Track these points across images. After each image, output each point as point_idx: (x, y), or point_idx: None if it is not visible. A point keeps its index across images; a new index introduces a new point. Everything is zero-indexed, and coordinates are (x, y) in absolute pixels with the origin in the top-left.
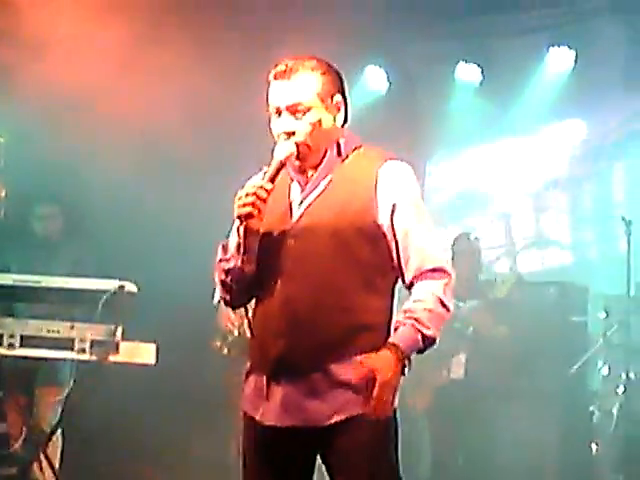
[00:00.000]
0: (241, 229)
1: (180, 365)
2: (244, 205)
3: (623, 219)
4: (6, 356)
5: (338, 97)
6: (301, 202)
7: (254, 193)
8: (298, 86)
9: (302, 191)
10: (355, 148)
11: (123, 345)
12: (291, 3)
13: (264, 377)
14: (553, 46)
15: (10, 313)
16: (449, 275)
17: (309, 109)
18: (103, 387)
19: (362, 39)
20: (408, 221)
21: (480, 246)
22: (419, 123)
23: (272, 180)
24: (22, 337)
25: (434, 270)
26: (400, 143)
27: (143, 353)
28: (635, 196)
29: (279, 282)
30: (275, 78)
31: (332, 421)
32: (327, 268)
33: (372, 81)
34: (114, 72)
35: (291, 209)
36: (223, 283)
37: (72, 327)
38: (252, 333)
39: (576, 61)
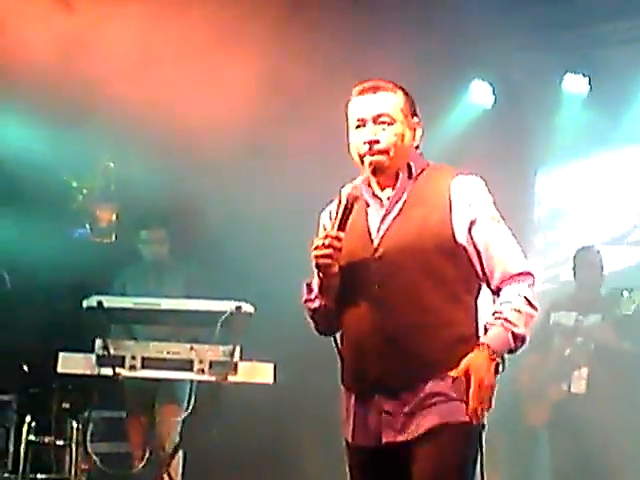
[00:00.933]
0: (321, 275)
1: (297, 383)
2: (321, 257)
3: None
4: (128, 378)
5: (416, 119)
6: (379, 227)
7: (330, 245)
8: (384, 99)
9: (379, 215)
10: (423, 169)
11: (241, 365)
12: (393, 18)
13: (359, 399)
14: None
15: (131, 335)
16: (532, 276)
17: (394, 121)
18: (223, 406)
19: (467, 53)
20: (487, 233)
21: (602, 259)
22: (526, 136)
23: (343, 227)
24: (143, 359)
25: (519, 274)
26: (507, 157)
27: (261, 373)
28: None
29: (368, 307)
30: (360, 94)
31: (421, 431)
32: (413, 288)
33: (477, 95)
34: (224, 95)
35: (370, 234)
36: (312, 318)
37: (191, 348)
38: (342, 359)
39: None
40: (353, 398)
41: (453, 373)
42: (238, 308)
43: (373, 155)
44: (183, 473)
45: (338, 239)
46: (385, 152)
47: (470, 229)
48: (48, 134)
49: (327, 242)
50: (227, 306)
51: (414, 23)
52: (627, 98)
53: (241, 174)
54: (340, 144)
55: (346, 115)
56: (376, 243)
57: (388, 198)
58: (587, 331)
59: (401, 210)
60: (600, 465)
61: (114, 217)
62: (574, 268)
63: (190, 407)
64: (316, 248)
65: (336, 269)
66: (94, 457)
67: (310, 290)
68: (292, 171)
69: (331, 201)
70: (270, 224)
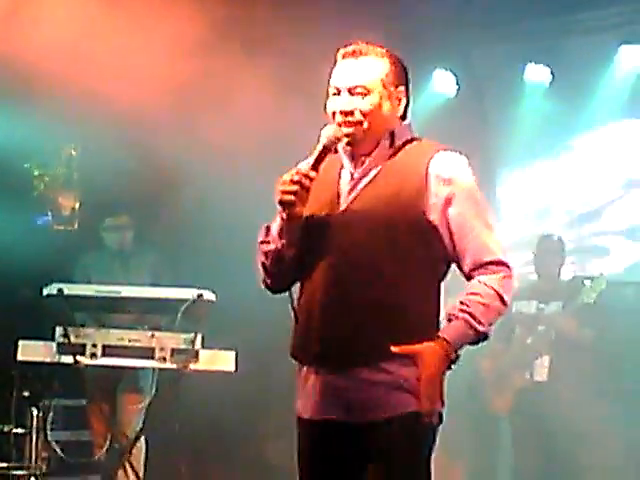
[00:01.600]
0: (283, 215)
1: (259, 371)
2: (287, 192)
3: None
4: (89, 365)
5: (401, 88)
6: (350, 190)
7: (298, 181)
8: (364, 68)
9: (351, 179)
10: (408, 141)
11: (203, 353)
12: (356, 5)
13: (305, 367)
14: (624, 44)
15: (91, 323)
16: (509, 268)
17: (370, 92)
18: (184, 394)
19: (429, 42)
20: (464, 213)
21: (564, 247)
22: (489, 126)
23: (316, 167)
24: (104, 347)
25: (492, 262)
26: (470, 146)
27: (223, 361)
28: None
29: (324, 270)
30: (343, 57)
31: (373, 419)
32: (375, 260)
33: (440, 85)
34: (186, 78)
35: (339, 196)
36: (263, 265)
37: (152, 336)
38: (296, 320)
39: None
40: (301, 367)
41: (397, 349)
42: (200, 296)
43: (346, 126)
44: (145, 461)
45: (308, 178)
46: (358, 123)
47: (445, 208)
48: (8, 121)
49: (296, 178)
50: (189, 294)
51: (377, 11)
52: (589, 88)
53: (204, 159)
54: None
55: (328, 80)
56: (342, 207)
57: (363, 162)
58: (548, 319)
59: (375, 177)
60: (563, 453)
61: (77, 205)
62: (535, 256)
63: (152, 395)
64: (283, 183)
65: (300, 210)
66: (54, 445)
67: (268, 232)
68: (256, 156)
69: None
70: (234, 210)
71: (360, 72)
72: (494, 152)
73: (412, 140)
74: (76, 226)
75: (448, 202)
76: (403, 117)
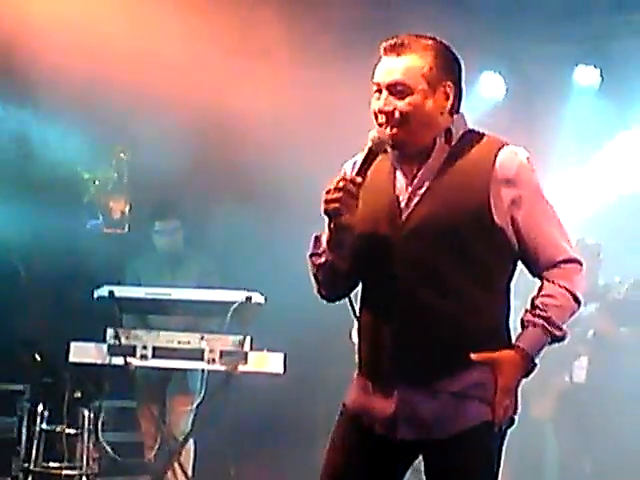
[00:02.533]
0: (331, 225)
1: (307, 374)
2: (332, 200)
3: None
4: (139, 367)
5: (449, 83)
6: (410, 196)
7: (343, 187)
8: (404, 64)
9: (408, 184)
10: (465, 133)
11: (252, 355)
12: (401, 8)
13: (375, 383)
14: None
15: (142, 325)
16: (580, 264)
17: (412, 91)
18: (233, 396)
19: (477, 44)
20: (532, 213)
21: (600, 250)
22: (538, 128)
23: (362, 173)
24: (154, 348)
25: (566, 261)
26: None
27: (271, 363)
28: None
29: (389, 283)
30: (384, 53)
31: (450, 434)
32: (443, 270)
33: (488, 87)
34: (234, 86)
35: (399, 203)
36: (315, 277)
37: (202, 338)
38: (360, 336)
39: None
40: (368, 379)
41: (475, 357)
42: (248, 298)
43: (388, 127)
44: (194, 462)
45: (354, 183)
46: (400, 125)
47: (512, 209)
48: (61, 126)
49: (341, 185)
50: (237, 296)
51: (426, 13)
52: (638, 90)
53: (254, 163)
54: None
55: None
56: (405, 216)
57: (420, 165)
58: (585, 320)
59: (435, 181)
60: (606, 456)
61: (127, 208)
62: None
63: (201, 397)
64: (327, 192)
65: (348, 219)
66: (105, 446)
67: (317, 244)
68: (306, 160)
69: (356, 153)
70: (280, 213)
71: (400, 69)
72: (542, 156)
73: (470, 132)
74: (126, 229)
75: (515, 203)
76: (456, 110)
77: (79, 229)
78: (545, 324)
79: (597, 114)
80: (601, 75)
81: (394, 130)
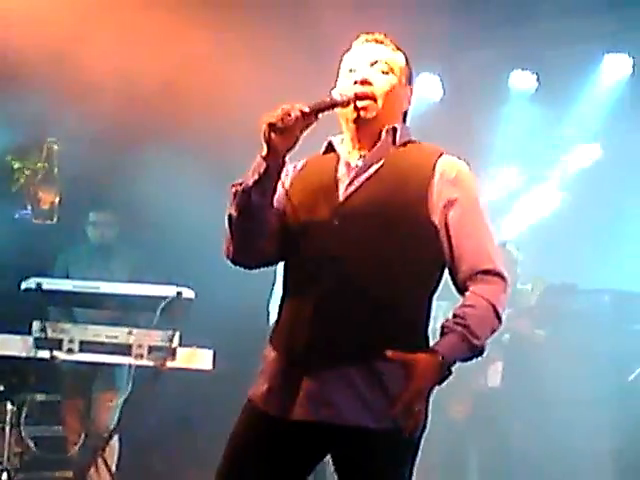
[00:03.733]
0: (264, 150)
1: (236, 371)
2: (274, 116)
3: None
4: (65, 361)
5: (411, 88)
6: (351, 182)
7: (288, 111)
8: (389, 51)
9: (350, 172)
10: (409, 141)
11: (180, 351)
12: (341, 6)
13: (289, 366)
14: (609, 53)
15: (69, 319)
16: (505, 281)
17: (391, 72)
18: (160, 392)
19: (415, 45)
20: (465, 217)
21: (518, 255)
22: (473, 131)
23: (315, 111)
24: (81, 342)
25: (489, 272)
26: (454, 151)
27: (200, 359)
28: None
29: (320, 264)
30: (359, 43)
31: (358, 424)
32: (375, 256)
33: (426, 88)
34: (171, 79)
35: (337, 186)
36: (229, 219)
37: (130, 333)
38: (280, 316)
39: (634, 68)
40: (277, 359)
41: (391, 354)
42: (179, 294)
43: (362, 99)
44: (119, 458)
45: (303, 113)
46: (373, 99)
47: (447, 209)
48: None
49: (287, 107)
50: (168, 291)
51: (360, 12)
52: (574, 95)
53: (194, 160)
54: None
55: (338, 71)
56: (341, 198)
57: (363, 155)
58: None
59: (377, 172)
60: (521, 456)
61: (57, 199)
62: None
63: (127, 392)
64: (279, 108)
65: (281, 149)
66: (28, 440)
67: (241, 183)
68: (238, 157)
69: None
70: (215, 208)
71: (386, 52)
72: (477, 156)
73: (412, 142)
74: (55, 220)
75: (451, 204)
76: (404, 118)
77: (7, 219)
78: (464, 332)
79: (533, 119)
80: (537, 80)
81: (366, 103)
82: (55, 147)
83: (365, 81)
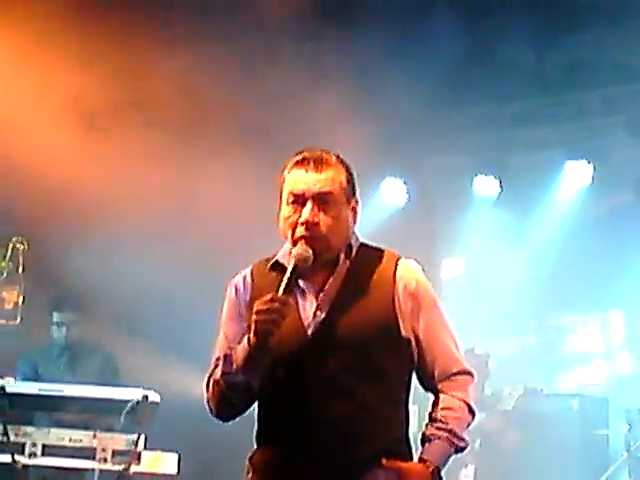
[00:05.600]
0: (256, 345)
1: (202, 475)
2: (263, 322)
3: None
4: (28, 465)
5: (356, 199)
6: (315, 312)
7: (273, 309)
8: (328, 177)
9: (313, 299)
10: (359, 248)
11: (145, 455)
12: (306, 112)
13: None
14: (571, 160)
15: (32, 422)
16: (473, 376)
17: (335, 203)
18: None
19: (380, 150)
20: (430, 326)
21: (488, 359)
22: (437, 235)
23: (289, 291)
24: (44, 446)
25: (459, 373)
26: (418, 255)
27: (165, 463)
28: None
29: (300, 399)
30: (301, 165)
31: None
32: (352, 385)
33: (390, 194)
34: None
35: (302, 321)
36: (224, 397)
37: (94, 436)
38: (259, 449)
39: (594, 175)
40: None
41: (387, 463)
42: (145, 397)
43: (309, 242)
44: None
45: (286, 304)
46: (324, 238)
47: (413, 320)
48: None
49: (275, 306)
50: (133, 394)
51: (327, 118)
52: (536, 201)
53: (149, 254)
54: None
55: (281, 186)
56: (310, 332)
57: (323, 281)
58: (473, 429)
59: (339, 295)
60: None
61: (20, 299)
62: None
63: None
64: (258, 312)
65: (273, 343)
66: None
67: (229, 363)
68: (198, 250)
69: (237, 273)
70: (191, 315)
71: (326, 180)
72: (441, 260)
73: (363, 246)
74: (18, 321)
75: (415, 315)
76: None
77: None
78: (449, 436)
79: (496, 223)
80: (500, 185)
81: (317, 243)
82: (20, 246)
83: (309, 223)
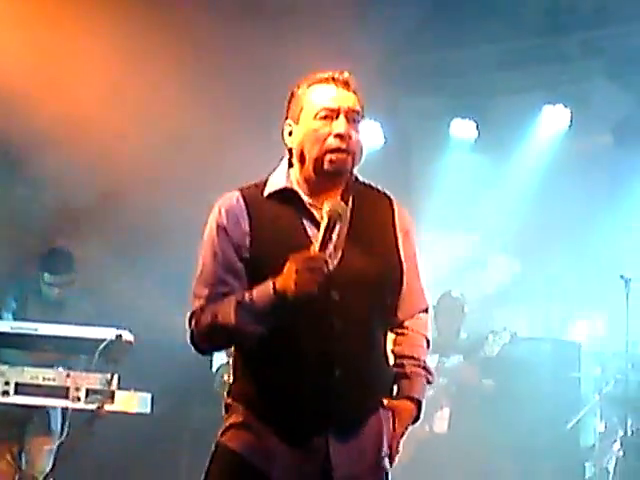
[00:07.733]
0: (286, 299)
1: (174, 414)
2: (310, 281)
3: (622, 277)
4: (1, 403)
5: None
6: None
7: (320, 270)
8: (356, 97)
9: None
10: (356, 180)
11: (119, 394)
12: (284, 54)
13: (287, 430)
14: (548, 104)
15: (5, 360)
16: (427, 310)
17: (360, 123)
18: (96, 435)
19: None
20: (413, 264)
21: (464, 302)
22: (414, 179)
23: (325, 247)
24: (17, 384)
25: (423, 311)
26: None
27: (138, 402)
28: (634, 255)
29: (315, 334)
30: (330, 82)
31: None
32: (367, 322)
33: (367, 136)
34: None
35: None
36: (227, 340)
37: (67, 375)
38: (264, 384)
39: (571, 119)
40: (276, 438)
41: (387, 403)
42: (118, 336)
43: (340, 153)
44: None
45: (327, 263)
46: (353, 154)
47: (407, 261)
48: None
49: (318, 265)
50: (107, 333)
51: (303, 59)
52: (513, 145)
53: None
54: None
55: (296, 102)
56: (331, 268)
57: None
58: (449, 372)
59: (349, 233)
60: None
61: None
62: (435, 312)
63: (63, 436)
64: (301, 271)
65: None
66: None
67: (247, 311)
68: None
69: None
70: (167, 256)
71: (354, 99)
72: (417, 203)
73: (357, 180)
74: None
75: (408, 255)
76: None
77: None
78: (425, 373)
79: (473, 167)
80: (477, 129)
81: (344, 156)
82: None
83: (343, 136)
